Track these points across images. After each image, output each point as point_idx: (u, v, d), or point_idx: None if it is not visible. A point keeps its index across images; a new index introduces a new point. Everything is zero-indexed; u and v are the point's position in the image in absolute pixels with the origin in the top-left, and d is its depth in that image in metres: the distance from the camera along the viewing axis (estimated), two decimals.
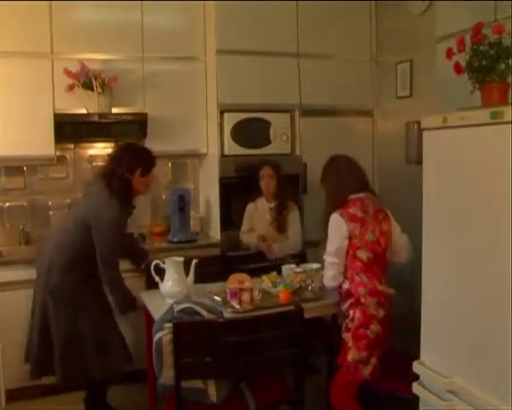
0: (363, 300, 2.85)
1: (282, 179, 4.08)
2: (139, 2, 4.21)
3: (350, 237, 2.91)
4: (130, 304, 3.28)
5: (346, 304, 2.93)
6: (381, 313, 2.86)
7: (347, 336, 2.88)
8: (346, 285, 2.93)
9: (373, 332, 2.83)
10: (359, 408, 2.86)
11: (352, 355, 2.83)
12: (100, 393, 3.45)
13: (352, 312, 2.89)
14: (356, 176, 3.11)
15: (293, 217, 4.06)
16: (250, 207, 4.13)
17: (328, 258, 2.96)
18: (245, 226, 4.12)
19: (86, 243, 3.16)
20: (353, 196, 3.00)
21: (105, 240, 3.17)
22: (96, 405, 3.45)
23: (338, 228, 2.93)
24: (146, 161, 3.37)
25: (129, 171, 3.26)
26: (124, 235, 3.40)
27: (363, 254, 2.91)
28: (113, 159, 3.41)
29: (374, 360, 2.84)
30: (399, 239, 3.08)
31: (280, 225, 4.00)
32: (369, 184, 3.20)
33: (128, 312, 3.30)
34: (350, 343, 2.85)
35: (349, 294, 2.91)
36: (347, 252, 2.93)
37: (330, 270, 2.96)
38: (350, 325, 2.88)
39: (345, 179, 3.06)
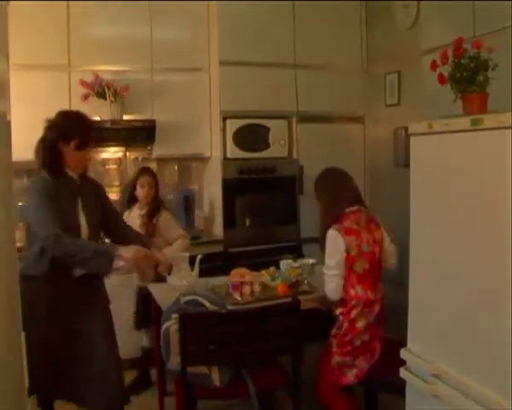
0: (353, 314, 2.79)
1: (159, 186, 3.86)
2: (149, 18, 4.22)
3: (347, 251, 2.81)
4: (107, 256, 2.46)
5: (338, 311, 2.87)
6: (372, 319, 2.82)
7: (333, 341, 2.84)
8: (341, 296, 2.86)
9: (358, 340, 2.79)
10: (344, 400, 2.83)
11: (335, 360, 2.81)
12: None
13: (341, 320, 2.84)
14: (349, 189, 2.99)
15: (166, 220, 3.79)
16: (125, 214, 3.71)
17: (330, 271, 2.84)
18: None
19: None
20: (348, 210, 2.90)
21: (31, 211, 2.50)
22: None
23: (335, 243, 2.81)
24: (84, 132, 2.62)
25: (63, 139, 2.55)
26: (62, 209, 2.52)
27: (359, 267, 2.82)
28: (49, 125, 2.63)
29: (360, 362, 2.79)
30: (389, 247, 3.01)
31: (149, 230, 3.66)
32: (361, 196, 3.11)
33: (111, 268, 2.47)
34: (334, 349, 2.82)
35: (342, 303, 2.85)
36: (344, 265, 2.83)
37: (332, 282, 2.83)
38: (336, 332, 2.84)
39: (339, 194, 2.94)
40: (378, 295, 2.88)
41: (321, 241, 2.91)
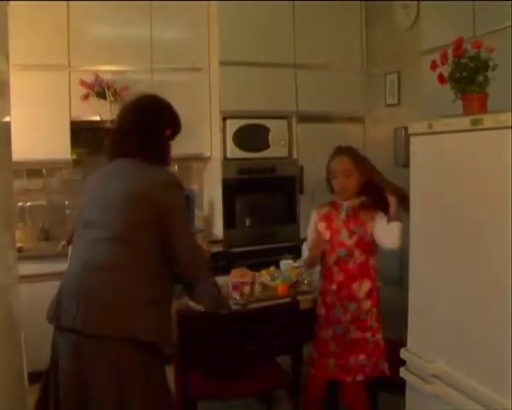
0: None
1: None
2: (149, 18, 4.22)
3: None
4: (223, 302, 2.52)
5: (368, 304, 2.79)
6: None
7: (374, 336, 2.77)
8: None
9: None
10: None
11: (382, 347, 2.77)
12: None
13: (375, 311, 2.79)
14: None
15: None
16: None
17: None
18: None
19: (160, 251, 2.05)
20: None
21: (185, 230, 2.12)
22: None
23: None
24: (176, 119, 2.33)
25: (170, 128, 2.26)
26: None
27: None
28: (146, 110, 2.21)
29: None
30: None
31: None
32: None
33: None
34: (381, 340, 2.77)
35: (370, 294, 2.80)
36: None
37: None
38: (376, 324, 2.78)
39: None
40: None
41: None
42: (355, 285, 2.74)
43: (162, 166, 2.21)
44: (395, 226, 2.64)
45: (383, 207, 2.72)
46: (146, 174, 2.09)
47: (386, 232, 2.67)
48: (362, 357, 2.71)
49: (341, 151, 2.86)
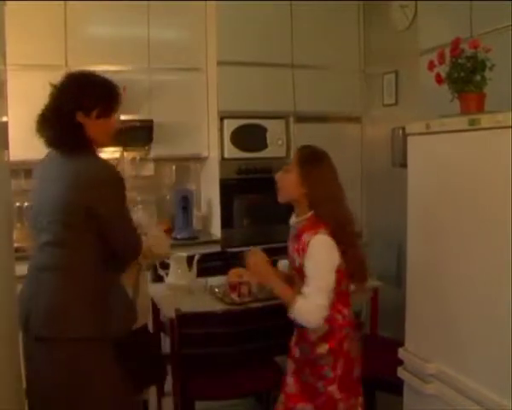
0: (345, 346, 2.18)
1: None
2: (146, 18, 4.21)
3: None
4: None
5: (324, 348, 2.18)
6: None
7: (332, 389, 2.16)
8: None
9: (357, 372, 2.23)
10: None
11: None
12: None
13: (331, 359, 2.17)
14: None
15: None
16: None
17: (321, 295, 2.08)
18: None
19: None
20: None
21: (119, 219, 2.07)
22: None
23: (332, 253, 2.13)
24: (107, 94, 2.15)
25: (82, 109, 2.04)
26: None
27: (345, 283, 2.21)
28: (57, 94, 2.12)
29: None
30: None
31: None
32: None
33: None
34: (337, 396, 2.15)
35: (329, 335, 2.18)
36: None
37: (323, 311, 2.09)
38: (331, 376, 2.16)
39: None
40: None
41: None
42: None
43: (91, 154, 2.05)
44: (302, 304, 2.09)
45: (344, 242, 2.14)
46: (71, 175, 1.97)
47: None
48: (309, 407, 2.20)
49: (302, 147, 2.35)
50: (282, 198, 2.31)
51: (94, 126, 2.05)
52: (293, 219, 2.34)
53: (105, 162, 2.08)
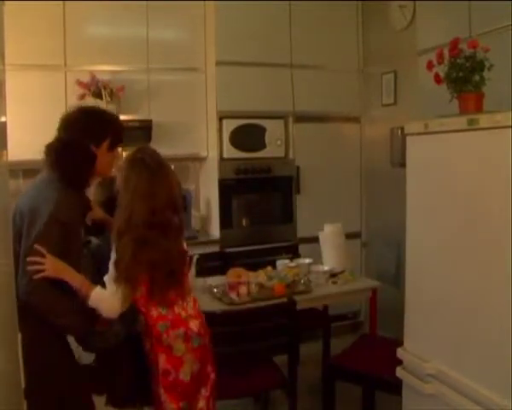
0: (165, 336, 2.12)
1: None
2: (145, 18, 4.21)
3: None
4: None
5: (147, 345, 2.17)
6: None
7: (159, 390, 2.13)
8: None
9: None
10: None
11: None
12: None
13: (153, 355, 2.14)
14: None
15: None
16: None
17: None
18: None
19: None
20: None
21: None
22: None
23: None
24: (116, 128, 2.26)
25: (96, 142, 2.13)
26: (78, 249, 2.16)
27: None
28: (69, 126, 2.20)
29: (201, 404, 2.19)
30: None
31: None
32: None
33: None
34: (163, 397, 2.11)
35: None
36: None
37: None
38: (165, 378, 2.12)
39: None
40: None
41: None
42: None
43: (71, 188, 2.11)
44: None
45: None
46: (37, 198, 2.11)
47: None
48: None
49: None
50: None
51: (103, 158, 2.16)
52: None
53: (67, 200, 2.09)
